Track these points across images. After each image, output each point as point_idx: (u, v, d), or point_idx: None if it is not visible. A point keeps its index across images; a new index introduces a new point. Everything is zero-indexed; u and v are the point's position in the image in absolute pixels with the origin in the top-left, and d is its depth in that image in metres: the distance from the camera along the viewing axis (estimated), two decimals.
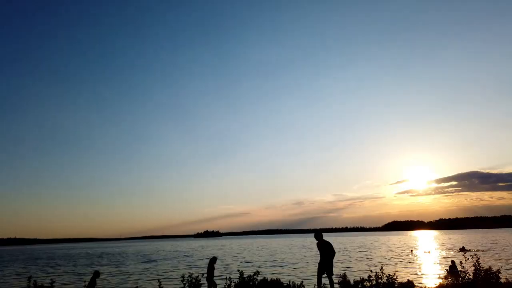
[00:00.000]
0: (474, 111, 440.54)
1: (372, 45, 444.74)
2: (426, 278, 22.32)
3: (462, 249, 45.92)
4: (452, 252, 44.01)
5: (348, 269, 27.87)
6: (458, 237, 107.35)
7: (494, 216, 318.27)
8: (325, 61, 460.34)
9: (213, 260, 15.42)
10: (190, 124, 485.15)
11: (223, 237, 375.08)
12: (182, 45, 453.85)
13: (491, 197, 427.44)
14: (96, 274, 14.97)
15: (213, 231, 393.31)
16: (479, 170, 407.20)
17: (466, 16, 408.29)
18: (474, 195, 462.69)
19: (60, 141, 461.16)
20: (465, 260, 13.22)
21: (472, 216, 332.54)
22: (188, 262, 43.25)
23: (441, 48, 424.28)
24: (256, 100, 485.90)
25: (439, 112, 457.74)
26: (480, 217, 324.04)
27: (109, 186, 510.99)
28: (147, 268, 36.47)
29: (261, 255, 50.56)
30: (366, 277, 13.46)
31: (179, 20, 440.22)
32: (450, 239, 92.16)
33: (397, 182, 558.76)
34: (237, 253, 60.00)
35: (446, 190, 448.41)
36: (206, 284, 14.48)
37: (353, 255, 44.22)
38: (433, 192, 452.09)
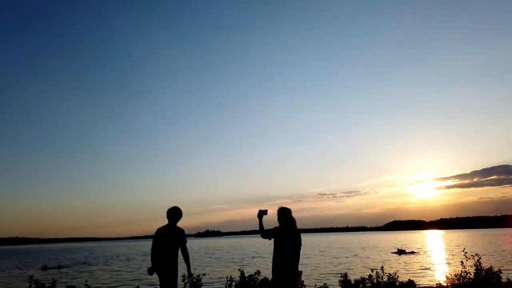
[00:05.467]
0: (472, 108, 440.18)
1: (377, 41, 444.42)
2: (426, 278, 22.26)
3: None
4: None
5: (350, 268, 27.81)
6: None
7: (496, 215, 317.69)
8: (324, 56, 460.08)
9: None
10: (182, 120, 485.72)
11: (224, 236, 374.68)
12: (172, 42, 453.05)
13: (495, 195, 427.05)
14: None
15: (214, 230, 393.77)
16: (480, 167, 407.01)
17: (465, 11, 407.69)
18: (476, 192, 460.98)
19: (58, 138, 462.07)
20: (466, 260, 13.17)
21: (474, 215, 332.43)
22: None
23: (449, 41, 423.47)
24: (253, 98, 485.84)
25: (438, 110, 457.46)
26: (482, 216, 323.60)
27: (108, 185, 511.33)
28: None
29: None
30: (366, 277, 13.44)
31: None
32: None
33: (397, 182, 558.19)
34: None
35: (447, 188, 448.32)
36: None
37: None
38: (433, 191, 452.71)
